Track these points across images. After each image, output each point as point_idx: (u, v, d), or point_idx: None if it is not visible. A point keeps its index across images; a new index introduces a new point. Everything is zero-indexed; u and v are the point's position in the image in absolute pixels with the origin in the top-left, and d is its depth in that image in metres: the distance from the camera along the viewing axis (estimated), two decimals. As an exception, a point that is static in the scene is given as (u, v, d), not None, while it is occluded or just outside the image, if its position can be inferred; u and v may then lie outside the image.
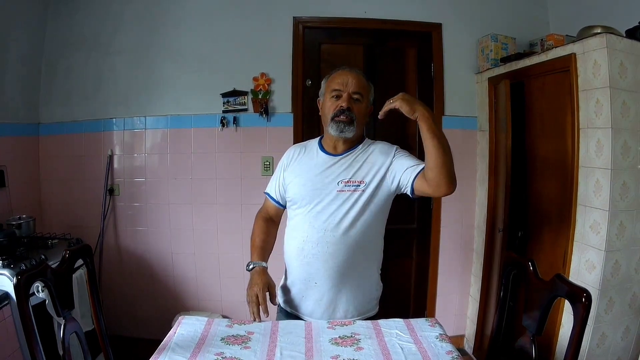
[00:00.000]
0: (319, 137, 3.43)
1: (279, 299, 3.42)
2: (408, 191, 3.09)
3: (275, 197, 3.45)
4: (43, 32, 5.68)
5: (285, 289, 3.36)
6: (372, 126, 5.55)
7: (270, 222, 3.52)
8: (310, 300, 3.19)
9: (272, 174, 3.53)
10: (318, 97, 3.44)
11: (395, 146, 3.29)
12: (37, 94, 5.72)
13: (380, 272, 3.38)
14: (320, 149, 3.32)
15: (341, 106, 3.13)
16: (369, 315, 3.27)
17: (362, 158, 3.20)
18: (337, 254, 3.07)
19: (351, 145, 3.25)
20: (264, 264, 3.23)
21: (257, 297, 3.01)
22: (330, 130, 3.17)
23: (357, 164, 3.17)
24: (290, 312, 3.32)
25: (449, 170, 2.86)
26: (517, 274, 2.81)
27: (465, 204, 5.90)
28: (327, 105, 3.22)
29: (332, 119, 3.14)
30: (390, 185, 3.13)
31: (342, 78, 3.20)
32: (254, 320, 2.97)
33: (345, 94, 3.15)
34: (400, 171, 3.08)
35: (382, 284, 3.40)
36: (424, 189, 2.98)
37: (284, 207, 3.47)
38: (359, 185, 3.09)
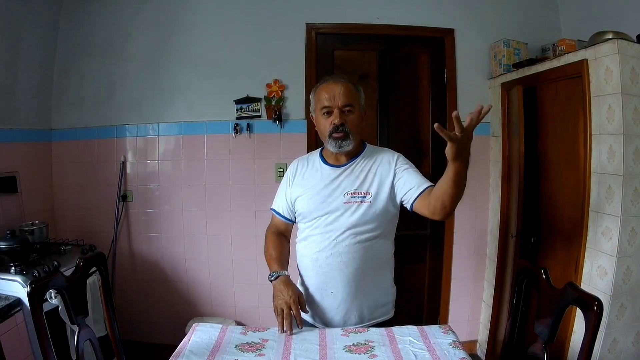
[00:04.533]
0: (319, 149, 3.44)
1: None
2: (408, 207, 3.13)
3: (282, 213, 3.46)
4: (55, 38, 5.71)
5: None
6: (386, 132, 5.57)
7: (282, 236, 3.49)
8: (327, 309, 3.20)
9: None
10: (310, 112, 3.43)
11: (397, 155, 3.30)
12: (49, 100, 5.76)
13: (393, 275, 3.40)
14: (322, 161, 3.33)
15: (334, 123, 3.12)
16: (384, 319, 3.30)
17: (365, 168, 3.22)
18: (351, 262, 3.09)
19: (353, 154, 3.26)
20: (286, 272, 3.19)
21: (290, 307, 2.97)
22: (329, 146, 3.18)
23: (362, 175, 3.19)
24: (305, 320, 3.27)
25: (453, 205, 2.86)
26: (529, 282, 2.82)
27: (479, 210, 5.90)
28: (321, 123, 3.22)
29: (329, 136, 3.15)
30: (395, 199, 3.17)
31: (329, 92, 3.17)
32: (285, 332, 2.94)
33: (336, 110, 3.13)
34: (404, 189, 3.10)
35: (395, 287, 3.42)
36: (422, 210, 3.03)
37: (292, 222, 3.48)
38: (365, 197, 3.11)
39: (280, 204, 3.48)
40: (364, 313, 3.21)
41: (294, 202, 3.35)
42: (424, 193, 3.02)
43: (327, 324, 3.22)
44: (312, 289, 3.23)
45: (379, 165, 3.21)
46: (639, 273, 3.87)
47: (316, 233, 3.17)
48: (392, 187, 3.15)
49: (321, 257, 3.14)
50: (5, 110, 5.01)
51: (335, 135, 3.11)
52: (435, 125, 2.40)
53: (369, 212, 3.10)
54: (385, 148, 3.39)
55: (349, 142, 3.13)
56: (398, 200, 3.16)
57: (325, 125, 3.18)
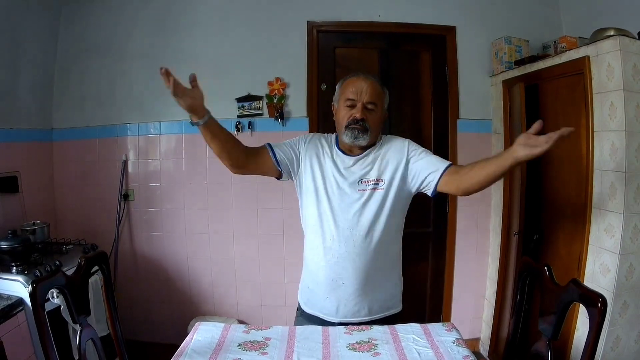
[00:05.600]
0: (335, 135, 3.40)
1: (300, 300, 3.44)
2: (430, 193, 3.14)
3: (277, 154, 3.26)
4: (55, 38, 5.71)
5: (307, 291, 3.36)
6: (387, 130, 5.53)
7: (244, 150, 3.27)
8: (336, 300, 3.19)
9: (287, 178, 3.45)
10: (332, 101, 3.42)
11: (407, 141, 3.30)
12: (50, 100, 5.76)
13: (401, 267, 3.41)
14: (337, 148, 3.31)
15: (355, 116, 3.12)
16: (393, 313, 3.31)
17: (378, 156, 3.21)
18: (364, 252, 3.09)
19: (367, 147, 3.24)
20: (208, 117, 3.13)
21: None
22: (344, 137, 3.16)
23: (375, 163, 3.19)
24: (312, 314, 3.31)
25: (484, 188, 3.00)
26: (532, 279, 2.81)
27: (481, 208, 5.90)
28: (342, 114, 3.21)
29: (346, 127, 3.14)
30: (410, 185, 3.17)
31: (357, 86, 3.18)
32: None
33: (360, 104, 3.14)
34: (423, 174, 3.11)
35: (402, 279, 3.42)
36: (447, 189, 3.08)
37: (276, 164, 3.26)
38: (378, 184, 3.12)
39: (282, 147, 3.32)
40: (374, 305, 3.21)
41: (302, 169, 3.30)
42: (445, 173, 3.04)
43: (335, 315, 3.21)
44: (323, 281, 3.20)
45: (391, 153, 3.21)
46: (642, 270, 3.87)
47: (329, 219, 3.14)
48: (406, 171, 3.16)
49: (334, 246, 3.12)
50: (6, 110, 5.01)
51: (352, 126, 3.11)
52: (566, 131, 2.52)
53: (382, 198, 3.11)
54: (394, 136, 3.38)
55: (365, 137, 3.13)
56: (415, 184, 3.16)
57: (344, 116, 3.18)
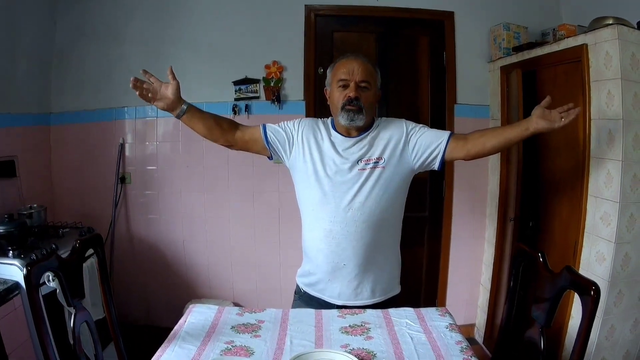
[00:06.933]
0: (331, 119, 3.39)
1: (301, 283, 3.45)
2: (436, 165, 3.22)
3: (268, 135, 3.32)
4: (54, 22, 5.68)
5: (309, 274, 3.36)
6: (384, 110, 5.54)
7: (232, 129, 3.40)
8: (338, 282, 3.21)
9: (279, 159, 3.46)
10: (325, 86, 3.43)
11: (404, 120, 3.34)
12: (48, 84, 5.74)
13: (399, 248, 3.43)
14: (335, 131, 3.30)
15: (349, 96, 3.12)
16: (392, 295, 3.35)
17: (377, 136, 3.23)
18: (365, 233, 3.11)
19: (364, 129, 3.25)
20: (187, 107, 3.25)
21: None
22: (341, 119, 3.16)
23: (374, 142, 3.20)
24: (314, 296, 3.33)
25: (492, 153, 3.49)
26: (527, 265, 2.81)
27: (477, 193, 5.90)
28: (335, 96, 3.22)
29: (342, 108, 3.14)
30: (412, 162, 3.20)
31: (348, 67, 3.19)
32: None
33: (352, 83, 3.15)
34: (428, 148, 3.17)
35: (401, 260, 3.45)
36: (455, 156, 3.24)
37: (267, 143, 3.33)
38: (378, 162, 3.13)
39: (275, 127, 3.38)
40: (376, 288, 3.24)
41: (295, 154, 3.31)
42: (450, 140, 3.18)
43: (337, 298, 3.24)
44: (323, 264, 3.22)
45: (390, 132, 3.23)
46: (637, 260, 3.87)
47: (329, 201, 3.15)
48: (407, 147, 3.19)
49: (335, 228, 3.13)
50: (4, 95, 4.99)
51: (348, 107, 3.12)
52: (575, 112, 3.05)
53: (382, 177, 3.13)
54: (390, 118, 3.40)
55: (361, 117, 3.13)
56: (418, 159, 3.20)
57: (339, 98, 3.19)
